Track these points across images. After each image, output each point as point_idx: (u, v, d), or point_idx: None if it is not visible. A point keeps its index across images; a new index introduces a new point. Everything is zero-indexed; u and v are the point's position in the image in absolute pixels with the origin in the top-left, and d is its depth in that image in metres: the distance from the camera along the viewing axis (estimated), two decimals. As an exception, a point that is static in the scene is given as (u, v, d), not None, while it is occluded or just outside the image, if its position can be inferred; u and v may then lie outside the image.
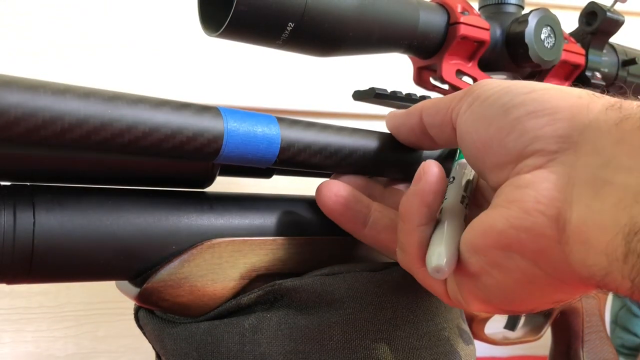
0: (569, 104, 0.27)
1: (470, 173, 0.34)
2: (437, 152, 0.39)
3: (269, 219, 0.35)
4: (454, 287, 0.31)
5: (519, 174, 0.28)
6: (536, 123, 0.27)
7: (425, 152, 0.38)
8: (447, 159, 0.39)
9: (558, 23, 0.47)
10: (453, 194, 0.33)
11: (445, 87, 0.47)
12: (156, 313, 0.34)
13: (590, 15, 0.52)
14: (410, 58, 0.48)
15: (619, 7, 0.52)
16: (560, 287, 0.28)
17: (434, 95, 0.45)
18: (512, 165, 0.28)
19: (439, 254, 0.29)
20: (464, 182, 0.34)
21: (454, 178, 0.34)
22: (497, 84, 0.30)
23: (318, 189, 0.35)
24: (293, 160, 0.33)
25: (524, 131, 0.28)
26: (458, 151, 0.37)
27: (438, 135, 0.34)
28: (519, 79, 0.50)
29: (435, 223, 0.31)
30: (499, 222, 0.27)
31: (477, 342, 0.43)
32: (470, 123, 0.30)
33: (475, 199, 0.34)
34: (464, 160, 0.35)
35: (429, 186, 0.30)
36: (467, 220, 0.32)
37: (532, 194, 0.26)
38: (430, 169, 0.30)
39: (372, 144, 0.36)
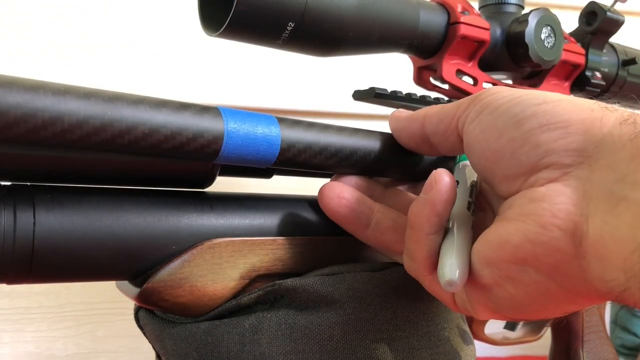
0: (581, 117, 0.27)
1: (473, 175, 0.34)
2: None
3: (269, 219, 0.35)
4: (462, 296, 0.31)
5: (532, 187, 0.27)
6: (549, 136, 0.27)
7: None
8: (447, 159, 0.39)
9: (558, 23, 0.47)
10: (459, 201, 0.32)
11: (446, 86, 0.47)
12: (156, 313, 0.34)
13: (590, 15, 0.51)
14: (411, 58, 0.48)
15: (619, 7, 0.52)
16: (574, 299, 0.28)
17: (434, 95, 0.45)
18: (525, 177, 0.28)
19: (452, 267, 0.29)
20: (468, 186, 0.33)
21: (458, 182, 0.34)
22: (507, 92, 0.30)
23: (320, 191, 0.35)
24: (293, 161, 0.33)
25: (537, 144, 0.27)
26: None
27: (441, 143, 0.34)
28: (519, 79, 0.50)
29: (444, 231, 0.31)
30: (515, 236, 0.27)
31: (477, 342, 0.43)
32: (479, 132, 0.30)
33: (478, 202, 0.34)
34: (466, 162, 0.35)
35: (440, 196, 0.30)
36: (474, 227, 0.32)
37: (547, 208, 0.26)
38: (441, 178, 0.30)
39: (373, 144, 0.36)
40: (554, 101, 0.28)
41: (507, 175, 0.29)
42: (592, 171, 0.26)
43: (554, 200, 0.26)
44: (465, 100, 0.32)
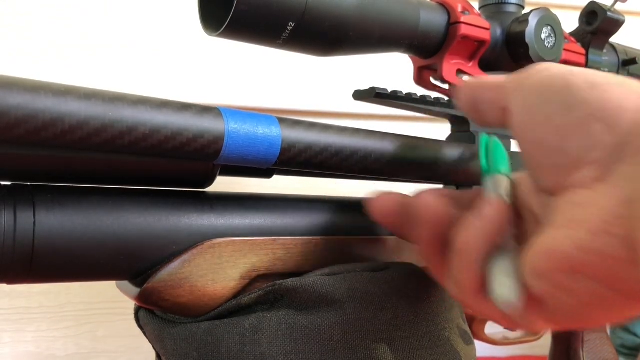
0: (633, 105, 0.26)
1: (506, 190, 0.32)
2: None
3: (269, 219, 0.35)
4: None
5: (576, 188, 0.26)
6: (598, 128, 0.26)
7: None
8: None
9: (558, 23, 0.47)
10: None
11: (446, 86, 0.47)
12: (156, 313, 0.34)
13: (591, 15, 0.51)
14: (411, 58, 0.48)
15: (619, 6, 0.52)
16: (635, 305, 0.26)
17: (434, 95, 0.45)
18: (569, 170, 0.27)
19: (510, 288, 0.28)
20: (506, 198, 0.32)
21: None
22: (556, 71, 0.29)
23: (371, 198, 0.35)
24: (294, 161, 0.33)
25: (585, 135, 0.26)
26: (482, 158, 0.34)
27: (486, 111, 0.32)
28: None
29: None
30: (564, 245, 0.26)
31: (477, 342, 0.43)
32: (526, 114, 0.29)
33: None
34: (499, 176, 0.33)
35: (496, 224, 0.29)
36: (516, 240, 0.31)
37: (596, 214, 0.25)
38: (495, 205, 0.29)
39: (374, 144, 0.35)
40: (603, 84, 0.27)
41: (552, 165, 0.28)
42: (637, 169, 0.24)
43: (603, 205, 0.25)
44: (515, 75, 0.31)
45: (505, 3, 0.47)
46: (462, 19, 0.43)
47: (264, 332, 0.32)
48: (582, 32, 0.52)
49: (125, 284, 0.32)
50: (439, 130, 0.54)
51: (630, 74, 0.54)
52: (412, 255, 0.40)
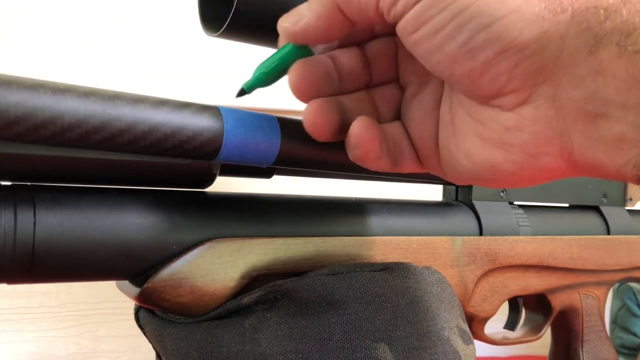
0: (535, 33, 0.25)
1: None
2: None
3: (269, 219, 0.35)
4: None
5: (502, 110, 0.27)
6: (508, 64, 0.26)
7: None
8: None
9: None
10: None
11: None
12: (157, 313, 0.34)
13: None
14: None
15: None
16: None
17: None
18: (488, 99, 0.27)
19: None
20: None
21: None
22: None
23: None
24: (294, 159, 0.33)
25: (497, 73, 0.26)
26: None
27: (356, 17, 0.28)
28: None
29: None
30: (507, 165, 0.28)
31: (477, 342, 0.43)
32: (425, 52, 0.27)
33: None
34: None
35: None
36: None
37: (527, 139, 0.27)
38: None
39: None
40: (502, 17, 0.25)
41: (470, 95, 0.28)
42: (557, 88, 0.26)
43: (530, 130, 0.27)
44: None
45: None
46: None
47: (264, 331, 0.32)
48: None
49: (126, 283, 0.32)
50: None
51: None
52: (413, 255, 0.40)
